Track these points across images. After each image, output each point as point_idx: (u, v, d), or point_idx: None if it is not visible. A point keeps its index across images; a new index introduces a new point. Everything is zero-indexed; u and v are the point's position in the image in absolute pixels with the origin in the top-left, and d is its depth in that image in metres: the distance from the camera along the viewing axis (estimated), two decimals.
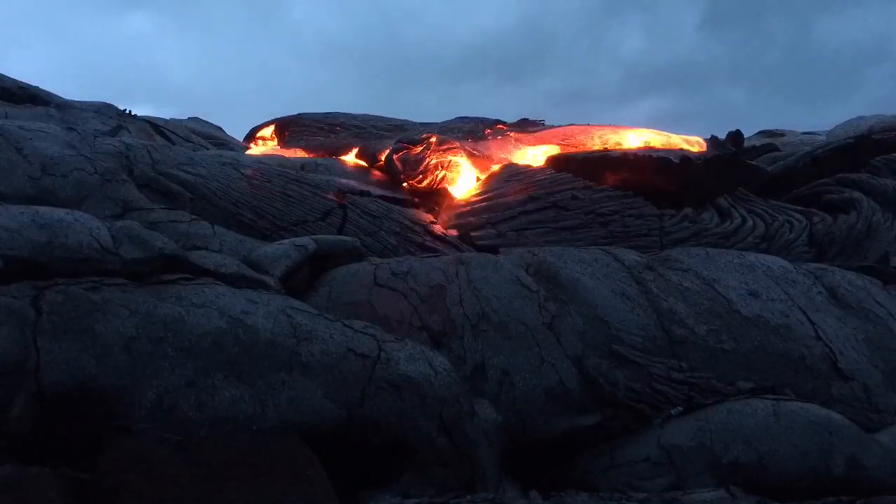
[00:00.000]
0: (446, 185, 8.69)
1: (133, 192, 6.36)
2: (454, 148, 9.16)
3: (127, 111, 9.46)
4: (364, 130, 10.54)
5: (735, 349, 5.27)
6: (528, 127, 11.26)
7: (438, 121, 11.50)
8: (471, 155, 9.19)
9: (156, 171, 6.81)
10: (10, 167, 5.92)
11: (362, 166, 9.06)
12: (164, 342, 3.94)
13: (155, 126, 9.51)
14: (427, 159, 8.81)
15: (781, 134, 12.94)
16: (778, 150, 10.93)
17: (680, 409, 4.89)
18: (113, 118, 9.04)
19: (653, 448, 4.65)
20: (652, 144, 9.77)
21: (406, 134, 9.67)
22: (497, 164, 9.26)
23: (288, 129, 11.26)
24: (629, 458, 4.66)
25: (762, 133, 13.03)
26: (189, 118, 11.98)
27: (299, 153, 9.90)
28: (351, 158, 9.34)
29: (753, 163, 9.77)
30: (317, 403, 4.05)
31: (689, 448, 4.58)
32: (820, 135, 10.30)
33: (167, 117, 10.98)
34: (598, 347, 5.13)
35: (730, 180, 9.01)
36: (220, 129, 12.16)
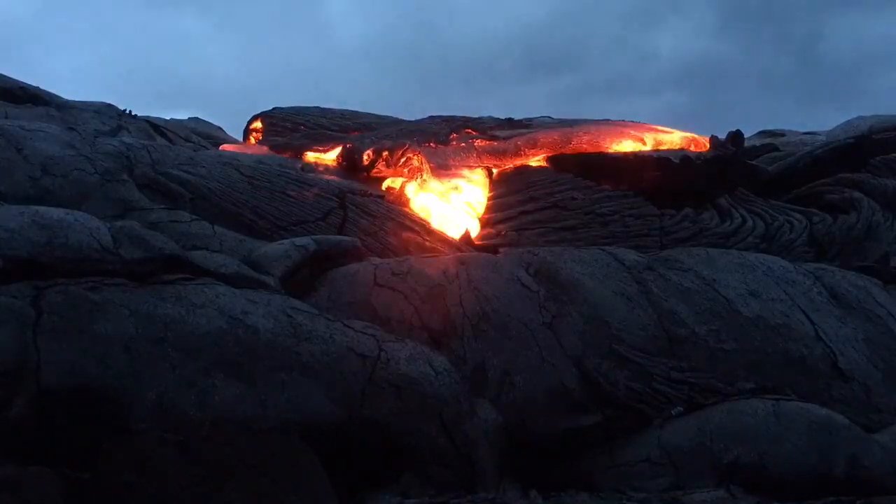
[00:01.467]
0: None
1: (133, 192, 6.36)
2: (409, 159, 8.84)
3: (127, 111, 9.47)
4: (317, 131, 10.15)
5: (735, 349, 5.27)
6: (514, 127, 10.81)
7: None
8: (424, 169, 8.85)
9: (156, 171, 6.80)
10: (10, 167, 5.92)
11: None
12: (164, 342, 3.93)
13: (155, 126, 9.51)
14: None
15: (781, 134, 12.93)
16: (778, 150, 10.93)
17: (680, 409, 4.88)
18: (113, 118, 9.05)
19: (653, 448, 4.64)
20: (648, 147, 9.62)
21: (356, 143, 9.40)
22: (452, 176, 8.89)
23: (263, 123, 11.19)
24: (629, 458, 4.66)
25: (762, 133, 13.02)
26: (189, 118, 12.00)
27: (264, 150, 9.69)
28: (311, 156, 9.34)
29: (753, 163, 9.78)
30: (317, 403, 4.04)
31: (689, 448, 4.58)
32: (820, 135, 10.30)
33: (209, 116, 11.29)
34: (598, 347, 5.12)
35: (730, 180, 9.02)
36: (220, 129, 12.18)
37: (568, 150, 9.38)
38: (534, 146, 9.52)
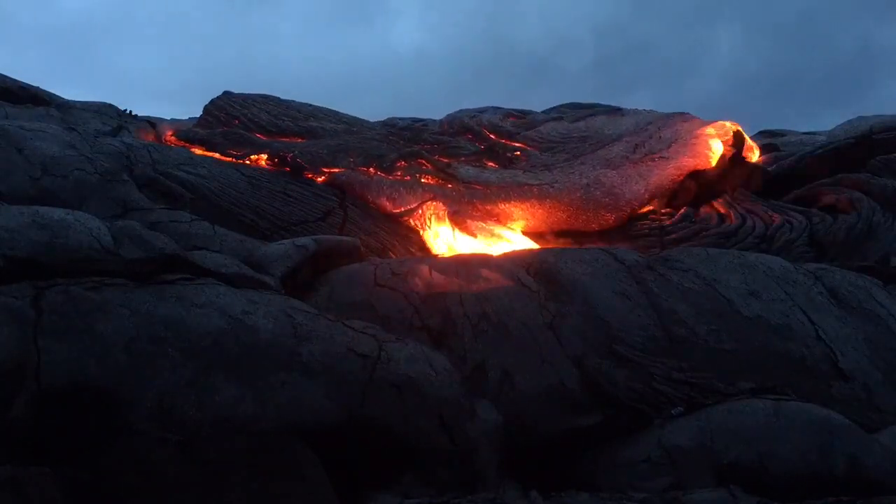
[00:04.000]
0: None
1: (133, 192, 6.37)
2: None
3: (127, 111, 9.48)
4: (239, 133, 8.52)
5: (736, 349, 5.26)
6: (510, 132, 9.70)
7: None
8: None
9: (156, 171, 6.81)
10: (10, 167, 5.92)
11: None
12: (164, 342, 3.93)
13: (155, 126, 9.51)
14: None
15: (782, 134, 12.94)
16: (778, 149, 10.94)
17: (680, 409, 4.88)
18: (113, 118, 9.06)
19: (653, 448, 4.64)
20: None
21: (275, 149, 8.20)
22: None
23: (203, 110, 9.71)
24: (630, 458, 4.66)
25: (762, 133, 13.02)
26: (190, 118, 11.99)
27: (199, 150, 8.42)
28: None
29: (754, 162, 9.79)
30: (317, 403, 4.04)
31: (689, 448, 4.57)
32: (820, 135, 10.29)
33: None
34: (598, 347, 5.12)
35: (730, 180, 9.03)
36: None
37: (537, 225, 7.69)
38: (493, 204, 7.66)
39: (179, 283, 4.37)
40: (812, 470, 4.49)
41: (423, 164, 8.37)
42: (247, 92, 10.02)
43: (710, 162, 8.82)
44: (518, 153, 9.11)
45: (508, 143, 9.57)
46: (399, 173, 8.05)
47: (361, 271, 5.68)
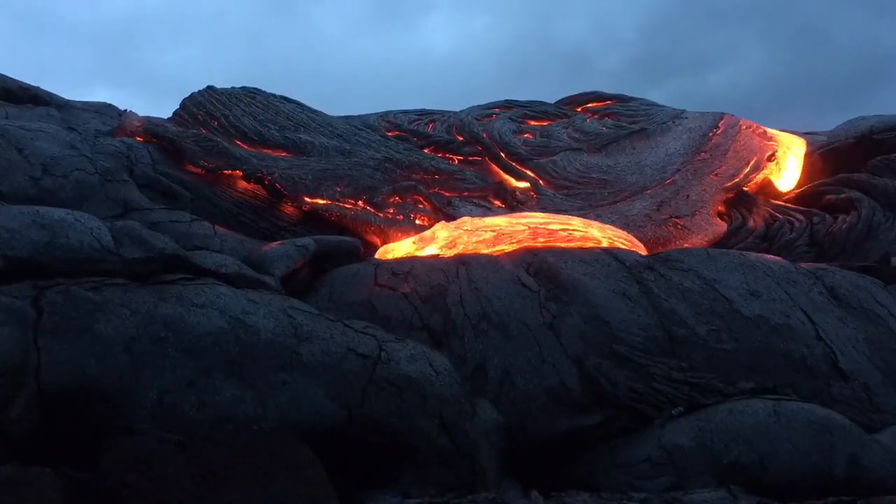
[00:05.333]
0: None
1: (134, 192, 6.37)
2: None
3: (128, 111, 9.47)
4: (214, 142, 7.36)
5: (736, 349, 5.26)
6: (524, 159, 8.54)
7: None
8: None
9: (156, 170, 6.81)
10: (10, 167, 5.92)
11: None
12: (164, 342, 3.93)
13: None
14: None
15: None
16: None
17: (681, 409, 4.88)
18: (114, 118, 9.05)
19: (654, 448, 4.64)
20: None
21: (253, 167, 7.23)
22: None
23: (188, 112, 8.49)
24: (630, 459, 4.66)
25: None
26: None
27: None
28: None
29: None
30: (317, 403, 4.04)
31: (689, 448, 4.57)
32: (820, 135, 10.28)
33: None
34: (598, 347, 5.12)
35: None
36: None
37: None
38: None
39: (179, 283, 4.37)
40: (812, 470, 4.49)
41: (420, 202, 7.54)
42: (278, 92, 8.98)
43: (724, 229, 8.14)
44: (529, 190, 8.25)
45: (518, 167, 8.71)
46: (391, 210, 7.22)
47: (361, 271, 5.68)
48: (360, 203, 7.19)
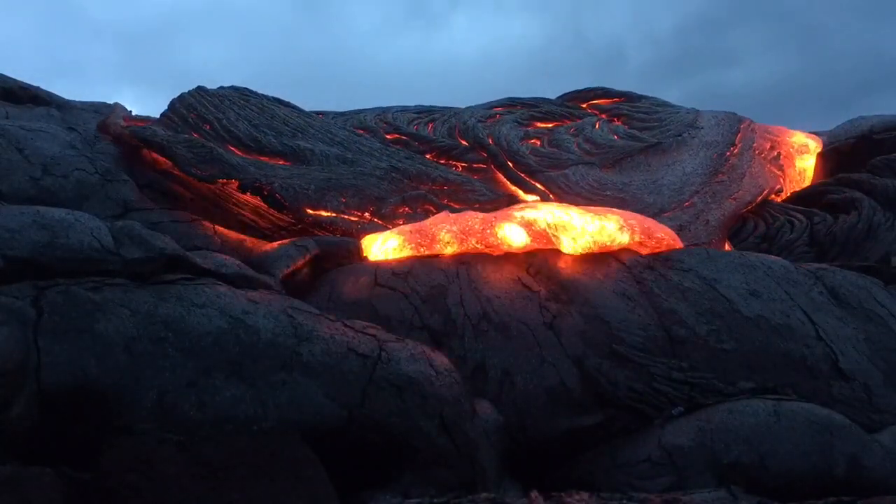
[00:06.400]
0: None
1: (134, 192, 6.37)
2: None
3: (115, 106, 9.44)
4: (204, 146, 6.86)
5: (736, 349, 5.26)
6: (535, 172, 8.09)
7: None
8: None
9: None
10: (11, 167, 5.92)
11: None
12: (164, 342, 3.94)
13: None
14: None
15: None
16: None
17: (681, 409, 4.88)
18: None
19: (654, 448, 4.64)
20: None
21: (250, 176, 6.75)
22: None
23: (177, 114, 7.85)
24: (630, 458, 4.66)
25: None
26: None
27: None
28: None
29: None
30: (317, 403, 4.04)
31: (689, 448, 4.57)
32: (821, 135, 10.28)
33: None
34: (598, 347, 5.12)
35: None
36: None
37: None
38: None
39: (180, 283, 4.38)
40: (812, 470, 4.49)
41: (432, 212, 6.96)
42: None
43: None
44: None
45: (527, 178, 8.29)
46: (401, 221, 6.70)
47: (362, 271, 5.68)
48: (366, 215, 6.74)
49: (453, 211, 6.63)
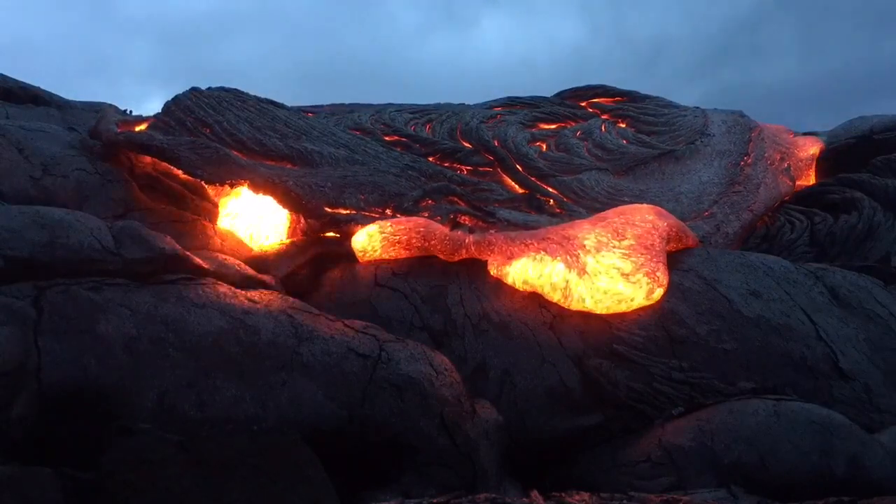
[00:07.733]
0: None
1: (134, 192, 6.37)
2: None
3: (128, 111, 9.47)
4: (213, 149, 6.41)
5: (736, 349, 5.26)
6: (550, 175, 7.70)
7: None
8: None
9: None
10: (11, 167, 5.93)
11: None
12: (165, 342, 3.94)
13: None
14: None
15: None
16: None
17: (681, 409, 4.88)
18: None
19: (654, 448, 4.64)
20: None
21: (262, 176, 6.32)
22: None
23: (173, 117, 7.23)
24: (630, 458, 4.66)
25: None
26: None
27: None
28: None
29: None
30: (317, 403, 4.04)
31: (690, 448, 4.57)
32: (820, 135, 10.28)
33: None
34: (598, 347, 5.12)
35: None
36: None
37: None
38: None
39: (180, 283, 4.38)
40: (813, 470, 4.49)
41: (456, 202, 6.62)
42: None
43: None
44: (553, 204, 7.56)
45: (538, 182, 8.00)
46: (426, 214, 6.27)
47: (362, 271, 5.68)
48: (388, 211, 6.38)
49: (478, 205, 6.45)
